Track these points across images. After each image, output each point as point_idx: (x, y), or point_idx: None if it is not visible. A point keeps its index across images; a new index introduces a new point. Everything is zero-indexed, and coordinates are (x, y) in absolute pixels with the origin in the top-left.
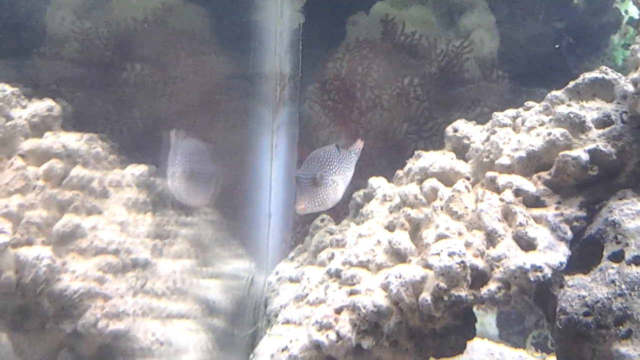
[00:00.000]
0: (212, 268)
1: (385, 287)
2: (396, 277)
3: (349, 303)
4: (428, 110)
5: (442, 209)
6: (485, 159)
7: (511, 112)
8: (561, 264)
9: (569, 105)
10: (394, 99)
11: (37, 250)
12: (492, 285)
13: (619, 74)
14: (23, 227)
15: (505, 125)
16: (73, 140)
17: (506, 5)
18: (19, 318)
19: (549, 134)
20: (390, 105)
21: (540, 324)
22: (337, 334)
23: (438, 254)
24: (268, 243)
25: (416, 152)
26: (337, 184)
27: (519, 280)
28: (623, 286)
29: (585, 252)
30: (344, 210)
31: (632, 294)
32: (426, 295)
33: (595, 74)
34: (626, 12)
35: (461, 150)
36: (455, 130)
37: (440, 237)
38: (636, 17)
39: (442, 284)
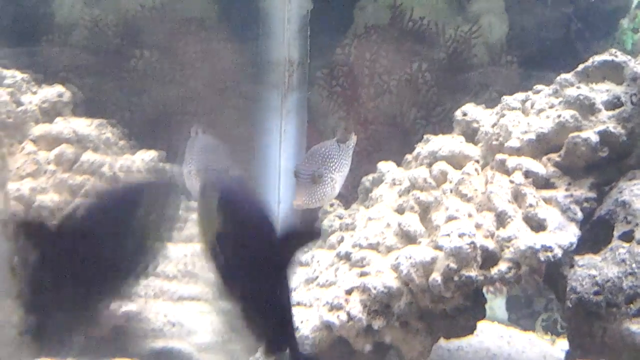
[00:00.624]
0: None
1: (396, 268)
2: (406, 257)
3: (359, 284)
4: (436, 96)
5: (451, 191)
6: (494, 142)
7: (520, 95)
8: (571, 244)
9: (578, 88)
10: (402, 85)
11: None
12: (503, 266)
13: (629, 57)
14: (35, 211)
15: (514, 108)
16: (83, 125)
17: None
18: None
19: (559, 116)
20: (399, 91)
21: (549, 307)
22: (348, 314)
23: (448, 234)
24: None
25: (425, 136)
26: (335, 181)
27: (530, 260)
28: (634, 265)
29: (596, 233)
30: (353, 195)
31: None
32: (436, 276)
33: (604, 56)
34: None
35: (470, 134)
36: (465, 114)
37: (450, 218)
38: None
39: (453, 265)
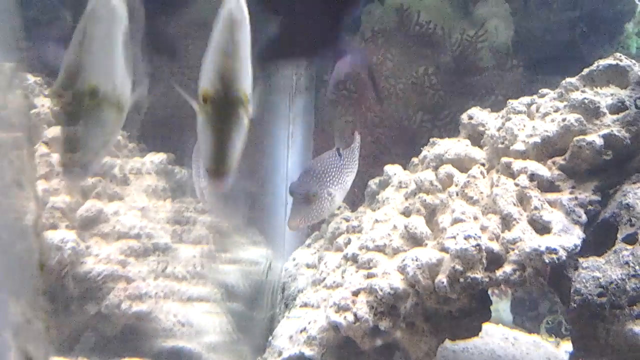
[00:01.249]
0: (230, 254)
1: (402, 269)
2: (413, 259)
3: (366, 285)
4: (443, 99)
5: (457, 194)
6: (500, 145)
7: (526, 99)
8: (576, 246)
9: (583, 92)
10: (408, 88)
11: (62, 234)
12: (508, 268)
13: (633, 61)
14: (48, 212)
15: (520, 112)
16: None
17: None
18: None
19: (564, 119)
20: (405, 95)
21: (554, 310)
22: (355, 315)
23: (454, 237)
24: (285, 230)
25: (431, 140)
26: (334, 195)
27: (534, 262)
28: (637, 267)
29: (600, 236)
30: (360, 198)
31: None
32: (442, 278)
33: (609, 60)
34: None
35: (476, 138)
36: (470, 118)
37: (456, 221)
38: None
39: (458, 267)
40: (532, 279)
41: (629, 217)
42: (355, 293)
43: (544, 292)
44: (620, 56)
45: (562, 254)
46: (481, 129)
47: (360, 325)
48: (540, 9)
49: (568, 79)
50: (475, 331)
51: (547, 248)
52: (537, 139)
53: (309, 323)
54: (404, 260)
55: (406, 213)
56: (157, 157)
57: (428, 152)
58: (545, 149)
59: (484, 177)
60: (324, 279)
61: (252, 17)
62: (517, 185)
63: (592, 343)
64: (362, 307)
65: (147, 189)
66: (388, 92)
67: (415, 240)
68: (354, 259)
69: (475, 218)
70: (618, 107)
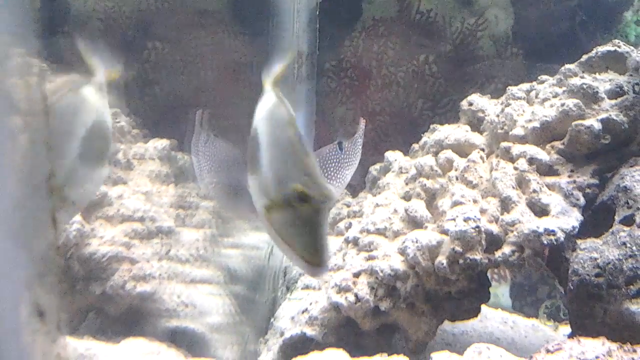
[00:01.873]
0: (232, 239)
1: (402, 251)
2: (413, 241)
3: (366, 267)
4: (443, 87)
5: (457, 178)
6: (499, 131)
7: (525, 86)
8: (574, 228)
9: (582, 77)
10: (409, 76)
11: None
12: (506, 249)
13: (632, 47)
14: None
15: (519, 98)
16: None
17: None
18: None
19: (562, 104)
20: (406, 83)
21: (552, 295)
22: (356, 296)
23: (454, 219)
24: None
25: (431, 126)
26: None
27: (533, 244)
28: (634, 248)
29: (598, 218)
30: (361, 185)
31: None
32: (442, 259)
33: (608, 47)
34: None
35: (476, 123)
36: (470, 104)
37: (456, 204)
38: None
39: (458, 248)
40: (530, 261)
41: (626, 200)
42: (356, 274)
43: (542, 277)
44: (619, 42)
45: (560, 235)
46: (481, 114)
47: (361, 306)
48: None
49: (567, 66)
50: (475, 312)
51: (545, 230)
52: (536, 124)
53: (310, 304)
54: (404, 242)
55: (406, 197)
56: (160, 143)
57: (428, 138)
58: (544, 134)
59: (483, 162)
60: None
61: None
62: (516, 169)
63: (589, 322)
64: (362, 288)
65: (151, 173)
66: (389, 80)
67: (415, 223)
68: (354, 242)
69: (475, 201)
70: (616, 92)
